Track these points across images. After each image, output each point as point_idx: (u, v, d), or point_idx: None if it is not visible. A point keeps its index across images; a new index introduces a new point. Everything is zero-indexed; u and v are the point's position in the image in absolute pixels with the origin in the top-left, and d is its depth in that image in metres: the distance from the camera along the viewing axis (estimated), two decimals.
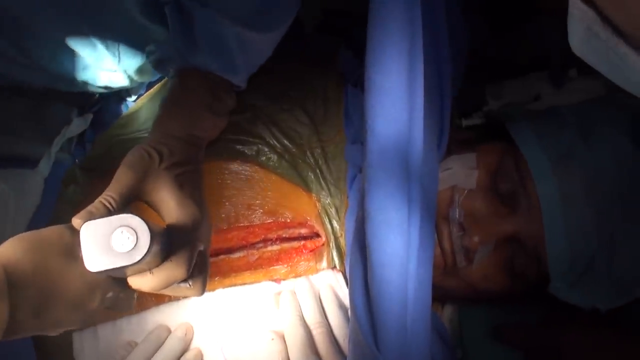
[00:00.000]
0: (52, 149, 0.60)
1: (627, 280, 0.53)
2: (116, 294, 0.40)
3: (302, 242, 0.57)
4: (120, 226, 0.36)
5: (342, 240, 0.58)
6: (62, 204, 0.58)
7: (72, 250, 0.37)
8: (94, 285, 0.38)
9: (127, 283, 0.41)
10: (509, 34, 0.73)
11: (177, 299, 0.54)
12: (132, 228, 0.36)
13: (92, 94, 0.67)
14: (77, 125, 0.64)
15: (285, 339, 0.51)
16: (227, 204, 0.57)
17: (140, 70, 0.62)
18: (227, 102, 0.55)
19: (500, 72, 0.71)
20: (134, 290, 0.42)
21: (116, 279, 0.40)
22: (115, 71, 0.59)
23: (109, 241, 0.35)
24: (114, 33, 0.55)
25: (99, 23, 0.53)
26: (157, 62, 0.55)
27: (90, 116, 0.65)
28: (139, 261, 0.36)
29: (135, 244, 0.35)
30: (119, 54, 0.58)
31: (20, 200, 0.56)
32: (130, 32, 0.55)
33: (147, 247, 0.36)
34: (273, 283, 0.55)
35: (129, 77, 0.61)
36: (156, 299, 0.54)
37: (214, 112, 0.53)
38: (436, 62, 0.49)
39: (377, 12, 0.40)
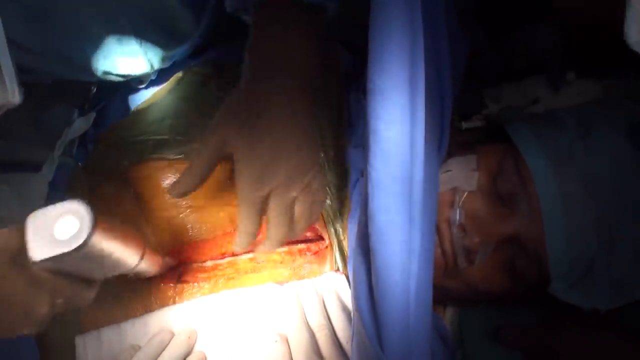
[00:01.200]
0: (55, 152, 0.60)
1: (627, 281, 0.53)
2: (69, 299, 0.39)
3: (306, 245, 0.57)
4: (64, 213, 0.34)
5: (344, 244, 0.58)
6: None
7: (19, 252, 0.35)
8: (40, 290, 0.37)
9: (84, 281, 0.40)
10: (506, 37, 0.74)
11: (180, 301, 0.54)
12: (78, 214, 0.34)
13: (90, 90, 0.67)
14: (79, 126, 0.64)
15: (289, 342, 0.51)
16: (231, 206, 0.57)
17: (162, 57, 0.61)
18: None
19: (498, 75, 0.72)
20: (95, 287, 0.41)
21: (69, 280, 0.39)
22: (138, 56, 0.59)
23: (53, 229, 0.34)
24: (140, 12, 0.54)
25: (129, 4, 0.53)
26: None
27: (92, 116, 0.64)
28: (77, 248, 0.34)
29: (77, 231, 0.34)
30: (141, 37, 0.57)
31: (23, 204, 0.56)
32: (157, 12, 0.54)
33: (88, 233, 0.34)
34: (277, 285, 0.55)
35: (149, 62, 0.61)
36: (160, 302, 0.54)
37: None
38: (437, 64, 0.49)
39: (377, 16, 0.40)
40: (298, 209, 0.47)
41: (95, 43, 0.56)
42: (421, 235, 0.42)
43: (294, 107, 0.46)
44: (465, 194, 0.55)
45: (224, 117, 0.47)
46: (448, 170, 0.57)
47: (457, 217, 0.54)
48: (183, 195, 0.48)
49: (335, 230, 0.58)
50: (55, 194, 0.58)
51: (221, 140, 0.46)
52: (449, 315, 0.67)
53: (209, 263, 0.56)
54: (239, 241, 0.48)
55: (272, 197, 0.45)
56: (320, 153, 0.48)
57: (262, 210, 0.46)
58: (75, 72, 0.59)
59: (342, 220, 0.58)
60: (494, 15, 0.73)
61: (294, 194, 0.46)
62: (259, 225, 0.47)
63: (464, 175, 0.56)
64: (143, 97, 0.67)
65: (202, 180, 0.48)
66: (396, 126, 0.40)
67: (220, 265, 0.55)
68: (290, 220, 0.47)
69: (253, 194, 0.45)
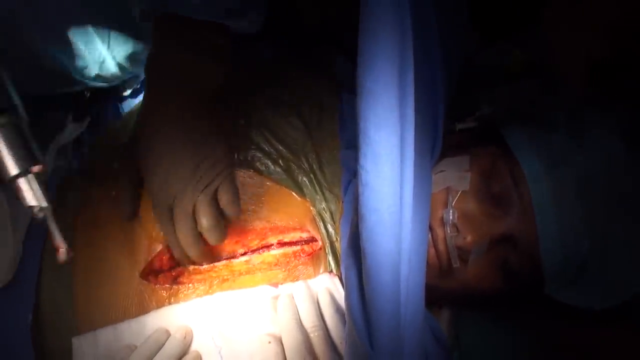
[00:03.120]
0: (47, 155, 0.60)
1: (621, 279, 0.53)
2: None
3: (300, 247, 0.57)
4: None
5: (337, 245, 0.58)
6: (60, 210, 0.58)
7: None
8: None
9: None
10: (501, 41, 0.74)
11: (176, 302, 0.54)
12: None
13: (84, 95, 0.67)
14: (72, 130, 0.64)
15: (283, 342, 0.51)
16: None
17: (131, 59, 0.63)
18: None
19: (493, 78, 0.72)
20: None
21: None
22: (104, 59, 0.61)
23: None
24: (106, 16, 0.56)
25: (91, 4, 0.55)
26: None
27: (87, 120, 0.65)
28: None
29: None
30: (108, 40, 0.59)
31: (16, 207, 0.56)
32: (122, 17, 0.56)
33: None
34: (271, 287, 0.55)
35: (119, 64, 0.62)
36: (156, 303, 0.54)
37: None
38: (429, 67, 0.50)
39: (367, 18, 0.41)
40: (199, 212, 0.51)
41: (65, 49, 0.58)
42: (412, 235, 0.42)
43: (182, 126, 0.50)
44: (459, 194, 0.56)
45: (136, 143, 0.52)
46: (441, 171, 0.57)
47: (451, 217, 0.55)
48: (130, 219, 0.56)
49: (328, 232, 0.58)
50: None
51: (135, 168, 0.53)
52: (445, 316, 0.67)
53: (204, 265, 0.56)
54: (174, 252, 0.54)
55: (173, 208, 0.50)
56: (220, 160, 0.52)
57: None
58: (54, 81, 0.61)
59: (335, 222, 0.58)
60: (489, 19, 0.73)
61: (191, 202, 0.50)
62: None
63: (457, 175, 0.56)
64: (138, 101, 0.67)
65: (135, 206, 0.55)
66: (385, 128, 0.40)
67: (215, 266, 0.56)
68: (195, 227, 0.51)
69: (157, 209, 0.51)
